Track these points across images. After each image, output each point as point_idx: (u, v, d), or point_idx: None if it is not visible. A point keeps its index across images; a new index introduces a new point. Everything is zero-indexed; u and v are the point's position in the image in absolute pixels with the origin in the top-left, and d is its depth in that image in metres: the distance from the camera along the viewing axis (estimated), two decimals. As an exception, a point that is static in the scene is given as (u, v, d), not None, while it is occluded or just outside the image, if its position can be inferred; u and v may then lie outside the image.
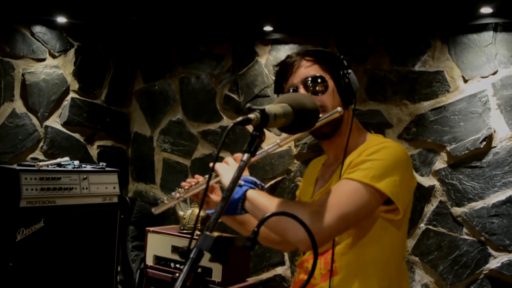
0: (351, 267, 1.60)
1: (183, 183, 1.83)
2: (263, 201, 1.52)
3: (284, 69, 1.73)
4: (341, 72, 1.68)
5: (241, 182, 1.55)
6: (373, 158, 1.55)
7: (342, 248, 1.60)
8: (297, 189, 2.06)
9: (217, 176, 1.66)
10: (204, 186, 1.76)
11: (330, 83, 1.68)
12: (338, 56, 1.71)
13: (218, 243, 1.00)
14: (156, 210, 1.91)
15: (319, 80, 1.67)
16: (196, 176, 1.83)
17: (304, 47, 4.14)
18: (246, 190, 1.54)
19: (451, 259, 3.50)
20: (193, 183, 1.79)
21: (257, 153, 1.66)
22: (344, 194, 1.51)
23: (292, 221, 1.35)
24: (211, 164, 1.64)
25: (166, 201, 1.86)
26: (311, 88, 1.66)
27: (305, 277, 1.70)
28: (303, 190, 1.92)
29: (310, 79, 1.67)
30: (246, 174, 1.66)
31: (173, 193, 1.84)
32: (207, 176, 1.76)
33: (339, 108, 1.61)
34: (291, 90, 1.69)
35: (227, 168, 1.63)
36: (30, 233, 3.48)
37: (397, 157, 1.58)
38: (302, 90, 1.66)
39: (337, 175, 1.64)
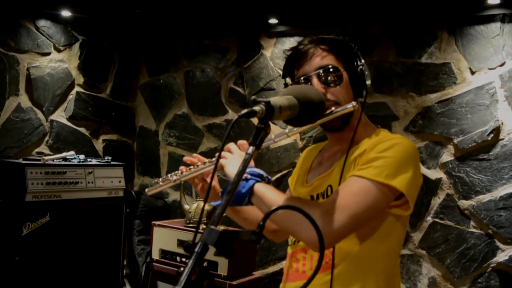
0: (351, 261, 1.58)
1: (181, 167, 1.77)
2: (271, 197, 1.48)
3: (297, 55, 1.67)
4: (355, 64, 1.64)
5: (247, 175, 1.51)
6: (386, 155, 1.52)
7: (343, 241, 1.58)
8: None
9: (220, 167, 1.60)
10: (202, 171, 1.71)
11: (344, 75, 1.63)
12: (353, 47, 1.67)
13: (223, 237, 0.99)
14: (149, 191, 1.82)
15: (334, 71, 1.62)
16: (195, 155, 1.77)
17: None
18: (253, 184, 1.51)
19: (458, 252, 3.48)
20: (192, 167, 1.73)
21: (265, 140, 1.65)
22: (356, 193, 1.48)
23: (304, 222, 1.35)
24: (216, 154, 1.62)
25: (161, 183, 1.79)
26: (325, 79, 1.61)
27: (299, 266, 1.67)
28: (298, 177, 1.88)
29: (324, 69, 1.62)
30: (251, 165, 1.60)
31: (169, 175, 1.77)
32: (206, 160, 1.71)
33: (354, 102, 1.56)
34: (302, 79, 1.64)
35: (231, 158, 1.60)
36: (36, 227, 3.48)
37: (409, 154, 1.56)
38: (315, 80, 1.61)
39: (341, 164, 1.62)
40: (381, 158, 1.52)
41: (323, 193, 1.67)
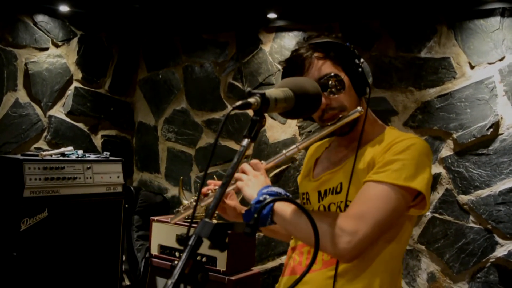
0: (356, 260, 1.56)
1: (201, 193, 1.77)
2: (292, 213, 1.49)
3: (294, 67, 1.65)
4: (354, 64, 1.63)
5: (266, 196, 1.49)
6: (403, 157, 1.52)
7: None
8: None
9: (237, 189, 1.63)
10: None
11: (345, 79, 1.62)
12: (348, 46, 1.65)
13: (217, 230, 0.98)
14: (172, 220, 1.88)
15: (334, 79, 1.60)
16: (213, 182, 1.79)
17: (308, 35, 4.10)
18: (273, 204, 1.51)
19: (457, 247, 3.47)
20: (210, 192, 1.75)
21: (276, 157, 1.65)
22: (376, 199, 1.48)
23: (327, 236, 1.41)
24: (236, 175, 1.61)
25: (182, 211, 1.82)
26: (326, 88, 1.59)
27: (302, 260, 1.68)
28: (304, 174, 1.89)
29: (325, 79, 1.60)
30: (268, 182, 1.60)
31: (189, 202, 1.81)
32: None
33: (359, 108, 1.58)
34: None
35: (247, 179, 1.59)
36: (34, 223, 3.48)
37: (425, 154, 1.56)
38: None
39: (351, 162, 1.61)
40: (398, 160, 1.52)
41: (333, 189, 1.66)
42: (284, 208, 1.50)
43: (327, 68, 1.62)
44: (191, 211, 1.78)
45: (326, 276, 1.58)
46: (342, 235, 1.44)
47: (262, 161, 1.66)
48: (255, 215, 1.03)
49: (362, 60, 1.65)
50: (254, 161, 1.66)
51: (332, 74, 1.60)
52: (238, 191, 1.63)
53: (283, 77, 1.71)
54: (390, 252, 1.60)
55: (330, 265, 1.59)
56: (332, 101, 1.61)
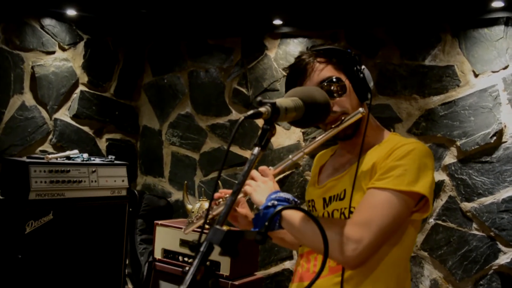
0: (362, 266, 1.59)
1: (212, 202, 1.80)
2: (299, 219, 1.53)
3: (297, 72, 1.69)
4: (355, 69, 1.66)
5: (274, 202, 1.52)
6: (405, 163, 1.54)
7: None
8: (306, 183, 2.05)
9: (245, 194, 1.65)
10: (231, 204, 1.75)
11: (347, 83, 1.65)
12: (350, 52, 1.68)
13: (229, 237, 0.99)
14: (185, 230, 1.90)
15: (335, 82, 1.64)
16: (224, 191, 1.80)
17: (313, 42, 4.13)
18: (281, 210, 1.52)
19: (460, 255, 3.48)
20: (221, 200, 1.76)
21: (283, 162, 1.67)
22: (379, 206, 1.50)
23: (333, 244, 1.43)
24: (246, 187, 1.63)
25: (195, 220, 1.84)
26: (328, 91, 1.61)
27: (310, 267, 1.70)
28: (310, 182, 1.92)
29: (326, 82, 1.63)
30: (276, 187, 1.62)
31: (201, 212, 1.84)
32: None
33: (361, 109, 1.60)
34: None
35: (255, 185, 1.62)
36: (39, 225, 3.50)
37: (426, 158, 1.58)
38: None
39: (354, 168, 1.63)
40: (400, 166, 1.54)
41: (337, 196, 1.68)
42: (292, 214, 1.53)
43: (328, 72, 1.65)
44: (202, 220, 1.81)
45: (333, 282, 1.60)
46: (347, 243, 1.46)
47: (270, 167, 1.68)
48: (266, 223, 1.05)
49: (363, 66, 1.68)
50: (262, 167, 1.68)
51: (334, 77, 1.64)
52: (245, 196, 1.66)
53: (287, 82, 1.75)
54: (393, 256, 1.61)
55: (336, 271, 1.60)
56: (334, 105, 1.63)
